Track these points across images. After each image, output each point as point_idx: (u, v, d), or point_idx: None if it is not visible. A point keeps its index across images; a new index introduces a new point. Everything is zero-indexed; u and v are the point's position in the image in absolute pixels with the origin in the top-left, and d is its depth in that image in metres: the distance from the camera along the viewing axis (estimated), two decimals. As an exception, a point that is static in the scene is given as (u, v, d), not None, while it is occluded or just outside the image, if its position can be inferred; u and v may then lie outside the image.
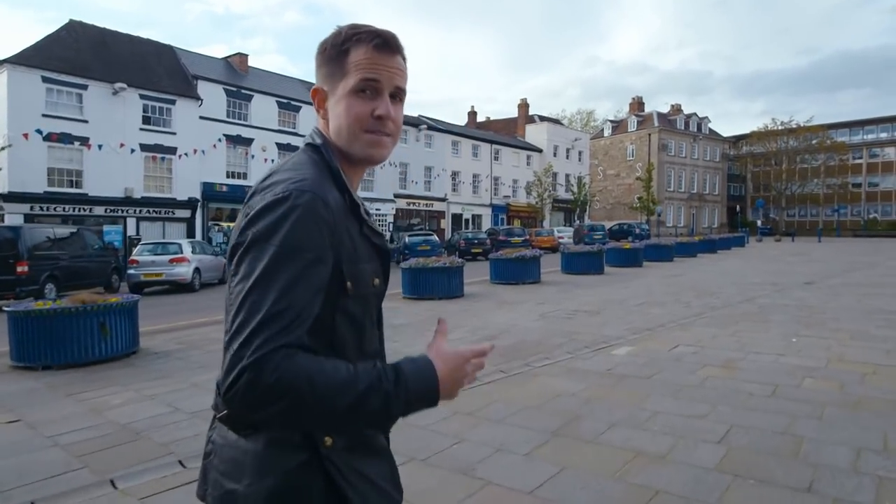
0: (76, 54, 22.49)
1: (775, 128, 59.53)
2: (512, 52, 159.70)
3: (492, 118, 58.78)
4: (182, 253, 14.89)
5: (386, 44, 1.04)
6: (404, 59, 1.09)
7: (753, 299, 10.58)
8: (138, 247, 15.76)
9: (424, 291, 11.54)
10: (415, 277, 11.66)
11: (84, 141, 21.85)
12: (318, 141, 1.07)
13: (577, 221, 40.87)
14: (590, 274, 16.05)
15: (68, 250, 14.02)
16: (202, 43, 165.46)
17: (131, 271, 14.71)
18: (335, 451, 0.96)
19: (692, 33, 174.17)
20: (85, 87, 21.89)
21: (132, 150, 23.16)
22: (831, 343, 6.69)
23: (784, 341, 6.85)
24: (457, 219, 41.65)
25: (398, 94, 1.07)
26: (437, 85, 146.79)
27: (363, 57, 1.02)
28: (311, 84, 1.14)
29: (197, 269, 15.23)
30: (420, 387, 0.93)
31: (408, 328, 8.24)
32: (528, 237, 30.29)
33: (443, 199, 40.49)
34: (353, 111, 1.02)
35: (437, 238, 25.93)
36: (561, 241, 31.77)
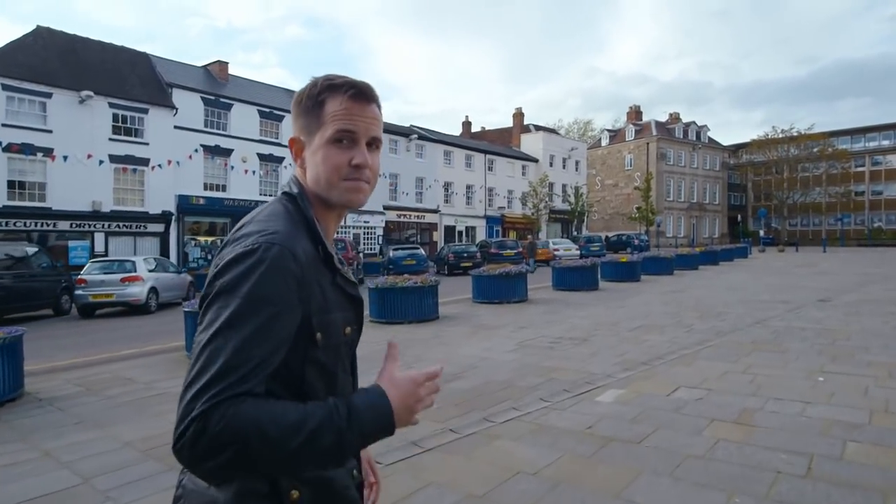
0: (42, 61, 21.36)
1: (776, 136, 58.44)
2: (512, 63, 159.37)
3: (488, 128, 57.73)
4: (135, 271, 13.59)
5: (361, 94, 1.05)
6: (379, 107, 1.09)
7: (765, 321, 9.29)
8: (88, 264, 14.46)
9: (394, 314, 10.25)
10: (382, 299, 10.36)
11: (48, 152, 20.64)
12: (295, 190, 1.07)
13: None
14: (583, 290, 14.77)
15: (10, 269, 12.78)
16: (204, 58, 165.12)
17: (79, 292, 13.39)
18: None
19: (691, 43, 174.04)
20: (49, 96, 20.72)
21: (100, 162, 21.93)
22: (868, 384, 5.40)
23: (809, 381, 5.56)
24: (450, 231, 40.42)
25: (375, 143, 1.08)
26: (437, 96, 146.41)
27: (339, 108, 1.03)
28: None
29: (153, 289, 13.93)
30: (373, 418, 0.92)
31: (362, 362, 6.97)
32: (521, 250, 28.97)
33: (435, 211, 39.29)
34: (331, 161, 1.03)
35: (423, 252, 24.60)
36: (556, 253, 30.55)
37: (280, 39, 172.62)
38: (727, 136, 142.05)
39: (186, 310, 7.75)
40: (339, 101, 1.03)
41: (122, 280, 13.39)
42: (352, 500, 1.07)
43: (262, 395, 0.86)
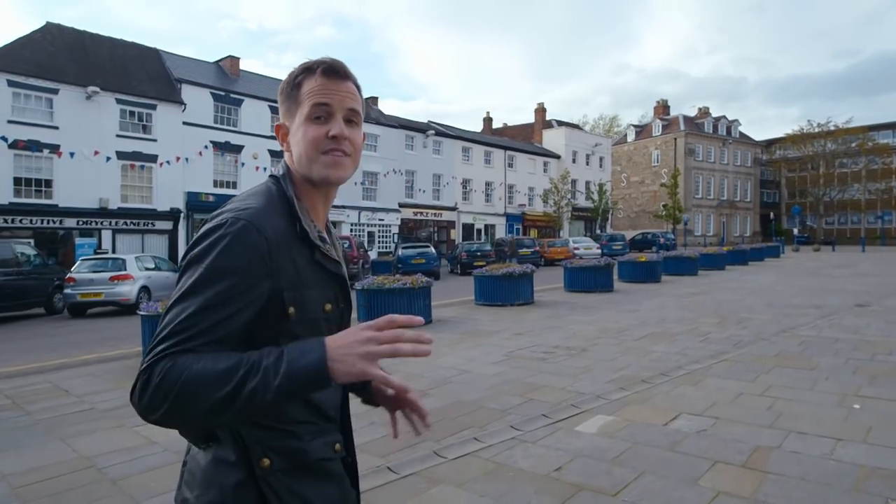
0: (49, 58, 21.21)
1: (811, 130, 55.91)
2: (540, 60, 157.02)
3: (510, 125, 56.61)
4: (125, 269, 13.11)
5: (332, 70, 1.07)
6: (356, 84, 1.11)
7: (792, 330, 8.24)
8: (78, 262, 14.05)
9: (381, 317, 9.46)
10: (370, 301, 9.60)
11: (54, 148, 20.47)
12: (280, 171, 1.11)
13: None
14: (596, 292, 13.80)
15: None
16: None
17: (68, 290, 12.98)
18: (272, 472, 0.97)
19: (724, 38, 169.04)
20: (55, 92, 20.54)
21: (108, 158, 21.70)
22: (916, 413, 4.41)
23: (841, 408, 4.59)
24: (468, 229, 39.53)
25: (353, 118, 1.09)
26: (464, 96, 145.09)
27: (314, 85, 1.06)
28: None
29: (144, 288, 13.44)
30: (301, 357, 0.89)
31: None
32: (538, 248, 27.92)
33: (453, 209, 38.44)
34: (310, 135, 1.05)
35: (433, 250, 23.78)
36: (576, 252, 29.43)
37: (310, 40, 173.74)
38: (762, 133, 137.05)
39: (142, 313, 7.10)
40: (314, 80, 1.06)
41: (112, 279, 12.92)
42: (332, 474, 1.07)
43: (206, 353, 0.88)
